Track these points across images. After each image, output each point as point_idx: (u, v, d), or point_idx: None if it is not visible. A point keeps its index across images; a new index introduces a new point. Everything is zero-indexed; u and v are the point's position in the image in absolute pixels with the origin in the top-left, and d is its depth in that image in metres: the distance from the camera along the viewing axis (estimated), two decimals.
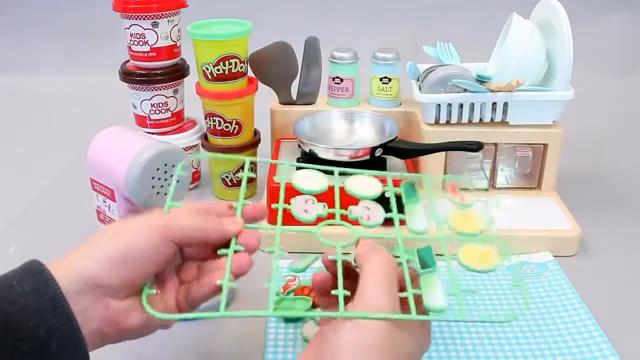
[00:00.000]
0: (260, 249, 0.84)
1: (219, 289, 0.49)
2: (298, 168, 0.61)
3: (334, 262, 0.52)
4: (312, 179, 0.59)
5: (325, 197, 0.58)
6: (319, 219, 0.57)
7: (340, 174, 0.61)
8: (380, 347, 0.45)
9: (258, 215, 0.56)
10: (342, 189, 0.59)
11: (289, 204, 0.57)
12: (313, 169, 0.61)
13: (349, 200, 0.58)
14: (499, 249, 0.56)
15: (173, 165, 0.72)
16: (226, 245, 0.52)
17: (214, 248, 0.52)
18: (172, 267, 0.53)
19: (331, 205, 0.57)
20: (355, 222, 0.56)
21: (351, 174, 0.60)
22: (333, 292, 0.50)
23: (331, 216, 0.57)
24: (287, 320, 0.69)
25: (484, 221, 0.59)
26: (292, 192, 0.58)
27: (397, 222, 0.57)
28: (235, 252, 0.51)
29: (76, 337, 0.44)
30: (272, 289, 0.49)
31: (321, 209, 0.57)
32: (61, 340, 0.43)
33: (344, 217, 0.57)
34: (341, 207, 0.57)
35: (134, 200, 0.70)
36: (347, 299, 0.49)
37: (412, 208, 0.59)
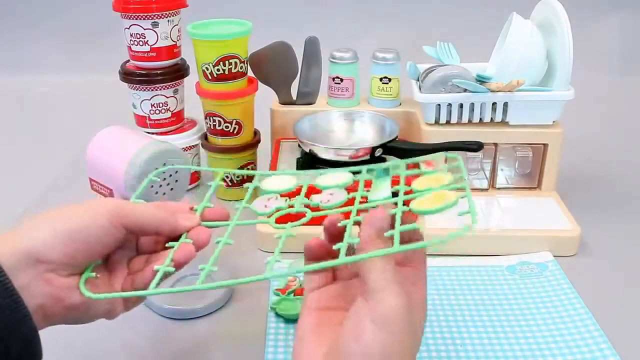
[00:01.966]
0: (262, 249, 0.84)
1: (156, 273, 0.50)
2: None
3: (334, 223, 0.51)
4: (281, 182, 0.60)
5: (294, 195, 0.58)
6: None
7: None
8: (404, 351, 0.44)
9: (220, 219, 0.56)
10: (311, 187, 0.59)
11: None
12: (285, 173, 0.61)
13: (317, 193, 0.58)
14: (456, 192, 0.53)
15: (172, 165, 0.72)
16: (177, 239, 0.52)
17: (166, 242, 0.52)
18: (123, 257, 0.53)
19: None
20: (316, 209, 0.56)
21: (325, 173, 0.60)
22: (335, 246, 0.47)
23: (292, 207, 0.57)
24: (287, 320, 0.69)
25: (450, 178, 0.55)
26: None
27: (360, 188, 0.56)
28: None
29: (20, 311, 0.44)
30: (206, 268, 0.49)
31: (282, 202, 0.57)
32: (3, 315, 0.43)
33: (305, 206, 0.57)
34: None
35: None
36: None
37: (379, 184, 0.57)
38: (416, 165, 0.75)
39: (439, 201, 0.51)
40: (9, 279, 0.43)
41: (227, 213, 0.57)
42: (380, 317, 0.43)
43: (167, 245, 0.52)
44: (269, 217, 0.56)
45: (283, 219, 0.55)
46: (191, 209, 0.55)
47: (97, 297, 0.48)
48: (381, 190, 0.56)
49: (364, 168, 0.59)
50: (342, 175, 0.59)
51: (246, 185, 0.60)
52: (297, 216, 0.55)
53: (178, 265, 0.51)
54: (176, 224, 0.52)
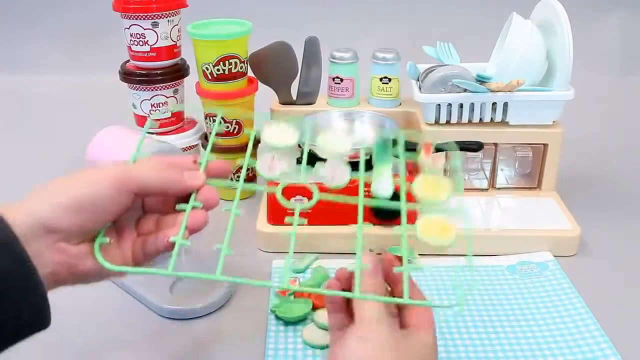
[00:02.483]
0: (262, 249, 0.84)
1: (172, 245, 0.50)
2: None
3: (348, 278, 0.55)
4: (282, 134, 0.59)
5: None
6: (283, 177, 0.56)
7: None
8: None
9: (222, 173, 0.56)
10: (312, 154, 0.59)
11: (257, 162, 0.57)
12: (287, 122, 0.60)
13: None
14: (460, 222, 0.55)
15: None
16: (186, 199, 0.52)
17: (174, 202, 0.52)
18: (131, 218, 0.53)
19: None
20: (324, 189, 0.56)
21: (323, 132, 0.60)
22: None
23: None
24: (287, 323, 0.69)
25: (449, 191, 0.57)
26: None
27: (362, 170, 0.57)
28: (194, 208, 0.52)
29: (33, 280, 0.44)
30: (223, 250, 0.50)
31: (281, 166, 0.57)
32: (17, 282, 0.43)
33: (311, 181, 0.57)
34: (255, 179, 0.57)
35: None
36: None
37: (380, 169, 0.59)
38: (416, 166, 0.75)
39: (443, 233, 0.54)
40: (24, 248, 0.44)
41: (230, 166, 0.57)
42: (363, 330, 0.49)
43: (177, 208, 0.52)
44: (276, 184, 0.57)
45: (290, 191, 0.55)
46: (195, 162, 0.55)
47: (113, 269, 0.48)
48: (383, 178, 0.58)
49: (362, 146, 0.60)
50: (342, 142, 0.59)
51: (246, 131, 0.60)
52: (305, 190, 0.56)
53: (192, 232, 0.51)
54: (183, 184, 0.52)
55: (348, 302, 0.55)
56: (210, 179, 0.54)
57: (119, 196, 0.48)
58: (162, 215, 0.54)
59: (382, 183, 0.58)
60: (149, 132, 0.59)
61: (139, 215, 0.54)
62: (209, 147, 0.58)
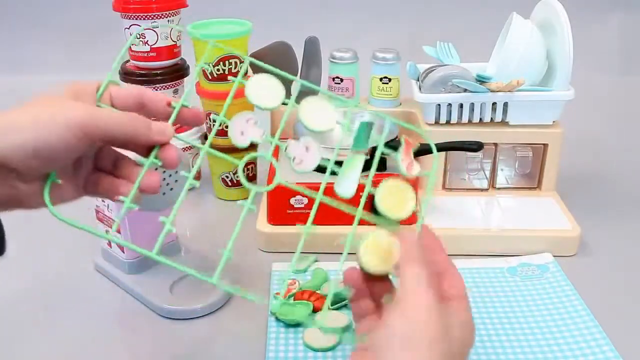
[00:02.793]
0: (262, 249, 0.84)
1: (121, 202, 0.50)
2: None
3: (354, 276, 0.52)
4: (267, 92, 0.54)
5: None
6: (252, 147, 0.54)
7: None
8: (431, 340, 0.45)
9: (194, 122, 0.55)
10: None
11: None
12: (276, 73, 0.56)
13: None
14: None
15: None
16: (148, 150, 0.51)
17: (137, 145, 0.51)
18: (89, 153, 0.51)
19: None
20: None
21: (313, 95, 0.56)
22: None
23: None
24: (288, 325, 0.69)
25: (410, 206, 0.53)
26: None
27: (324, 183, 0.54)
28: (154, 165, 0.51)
29: None
30: (225, 253, 0.49)
31: (259, 134, 0.53)
32: None
33: (269, 179, 0.54)
34: (281, 138, 0.53)
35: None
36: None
37: (353, 160, 0.55)
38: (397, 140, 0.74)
39: (383, 263, 0.50)
40: None
41: (203, 116, 0.55)
42: (405, 304, 0.46)
43: (136, 161, 0.51)
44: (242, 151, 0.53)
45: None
46: (169, 104, 0.53)
47: (63, 220, 0.48)
48: (348, 175, 0.54)
49: (345, 122, 0.57)
50: (327, 115, 0.55)
51: (232, 78, 0.56)
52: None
53: (143, 192, 0.51)
54: (149, 138, 0.50)
55: (371, 287, 0.52)
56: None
57: (80, 145, 0.47)
58: (120, 157, 0.52)
59: (346, 181, 0.54)
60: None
61: (97, 147, 0.52)
62: (184, 96, 0.54)
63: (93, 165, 0.52)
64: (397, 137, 0.87)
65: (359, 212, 0.53)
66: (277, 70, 0.55)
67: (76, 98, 0.49)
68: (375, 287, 0.52)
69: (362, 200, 0.54)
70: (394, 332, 0.45)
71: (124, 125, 0.48)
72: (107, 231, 0.77)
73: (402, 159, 0.58)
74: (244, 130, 0.53)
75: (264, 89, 0.54)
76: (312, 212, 0.53)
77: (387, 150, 0.57)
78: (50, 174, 0.48)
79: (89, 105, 0.48)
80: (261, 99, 0.54)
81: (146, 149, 0.51)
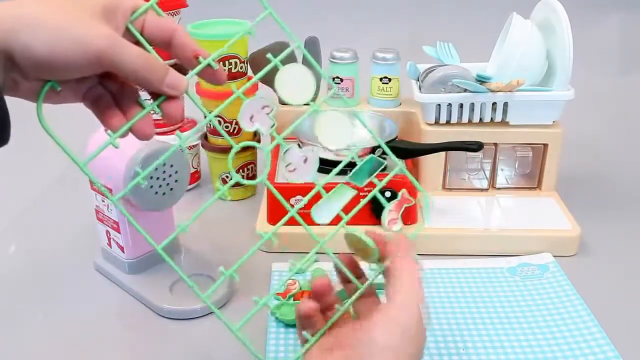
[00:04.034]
0: (262, 249, 0.84)
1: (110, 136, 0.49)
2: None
3: (326, 288, 0.54)
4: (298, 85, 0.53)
5: None
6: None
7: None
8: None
9: (214, 81, 0.53)
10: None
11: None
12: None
13: None
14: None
15: (172, 165, 0.72)
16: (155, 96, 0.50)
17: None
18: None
19: None
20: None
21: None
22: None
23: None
24: (288, 325, 0.69)
25: (371, 261, 0.55)
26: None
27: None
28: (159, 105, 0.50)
29: None
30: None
31: (267, 125, 0.52)
32: None
33: (274, 152, 0.53)
34: (285, 138, 0.53)
35: (132, 200, 0.70)
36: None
37: (341, 191, 0.55)
38: (417, 166, 0.74)
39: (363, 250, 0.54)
40: None
41: (225, 77, 0.54)
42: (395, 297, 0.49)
43: (138, 100, 0.50)
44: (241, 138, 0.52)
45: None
46: (196, 57, 0.51)
47: (50, 134, 0.50)
48: (330, 205, 0.55)
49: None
50: (342, 130, 0.54)
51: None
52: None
53: (135, 134, 0.50)
54: (159, 88, 0.48)
55: (323, 312, 0.55)
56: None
57: (91, 69, 0.46)
58: (125, 85, 0.51)
59: (326, 209, 0.55)
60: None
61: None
62: (218, 52, 0.52)
63: (99, 79, 0.50)
64: (397, 137, 0.87)
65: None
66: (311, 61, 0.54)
67: (107, 15, 0.47)
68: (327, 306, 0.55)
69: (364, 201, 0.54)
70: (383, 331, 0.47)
71: (140, 68, 0.47)
72: (107, 231, 0.77)
73: (389, 210, 0.58)
74: (255, 115, 0.51)
75: (294, 82, 0.53)
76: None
77: (384, 200, 0.57)
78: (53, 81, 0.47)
79: (113, 35, 0.46)
80: (289, 93, 0.52)
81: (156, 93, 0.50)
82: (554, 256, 0.81)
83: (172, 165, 0.71)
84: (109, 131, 0.50)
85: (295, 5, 1.61)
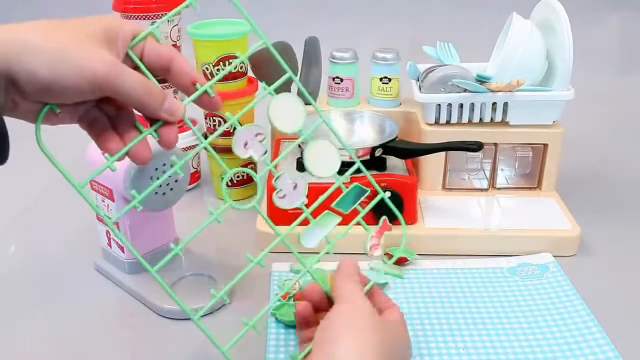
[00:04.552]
0: (262, 249, 0.84)
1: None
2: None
3: (315, 289, 0.59)
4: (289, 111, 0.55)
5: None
6: (248, 162, 0.57)
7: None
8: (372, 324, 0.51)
9: (211, 108, 0.55)
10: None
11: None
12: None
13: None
14: None
15: (171, 165, 0.71)
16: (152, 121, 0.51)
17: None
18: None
19: None
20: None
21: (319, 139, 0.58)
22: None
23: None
24: (288, 325, 0.69)
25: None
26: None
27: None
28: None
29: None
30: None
31: (259, 152, 0.54)
32: None
33: (269, 180, 0.57)
34: (275, 167, 0.56)
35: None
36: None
37: (328, 218, 0.59)
38: (416, 166, 0.74)
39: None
40: None
41: (221, 104, 0.55)
42: (347, 301, 0.53)
43: (136, 124, 0.51)
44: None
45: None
46: (193, 84, 0.52)
47: (47, 155, 0.50)
48: (316, 231, 0.58)
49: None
50: (330, 161, 0.57)
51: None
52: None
53: (131, 158, 0.51)
54: (157, 113, 0.50)
55: (317, 315, 0.58)
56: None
57: (92, 94, 0.47)
58: (124, 109, 0.52)
59: (313, 235, 0.58)
60: None
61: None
62: (214, 80, 0.54)
63: (96, 102, 0.51)
64: (397, 137, 0.87)
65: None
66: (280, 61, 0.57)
67: (108, 40, 0.48)
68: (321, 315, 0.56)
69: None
70: (337, 316, 0.51)
71: (139, 95, 0.48)
72: (107, 232, 0.77)
73: (372, 236, 0.61)
74: (249, 142, 0.54)
75: (286, 110, 0.55)
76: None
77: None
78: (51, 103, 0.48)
79: (114, 61, 0.47)
80: (281, 121, 0.55)
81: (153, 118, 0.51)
82: (554, 256, 0.81)
83: (171, 166, 0.71)
84: (106, 154, 0.50)
85: (295, 5, 1.62)
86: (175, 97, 0.54)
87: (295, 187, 0.55)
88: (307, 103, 0.58)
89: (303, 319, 0.59)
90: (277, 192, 0.55)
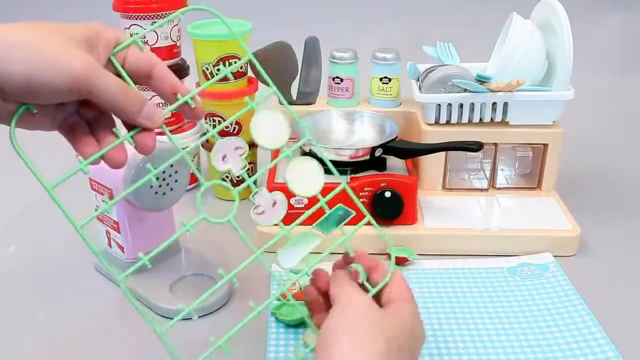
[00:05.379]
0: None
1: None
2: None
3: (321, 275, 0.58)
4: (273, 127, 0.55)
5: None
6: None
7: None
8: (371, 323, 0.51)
9: (192, 117, 0.55)
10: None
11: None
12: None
13: None
14: None
15: (171, 165, 0.71)
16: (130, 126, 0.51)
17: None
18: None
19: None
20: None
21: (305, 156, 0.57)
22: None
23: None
24: (288, 325, 0.69)
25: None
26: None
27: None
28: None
29: None
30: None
31: (238, 167, 0.53)
32: None
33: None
34: (255, 182, 0.55)
35: (133, 200, 0.70)
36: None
37: (308, 238, 0.57)
38: (416, 166, 0.74)
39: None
40: None
41: (202, 114, 0.55)
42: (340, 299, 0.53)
43: (113, 129, 0.51)
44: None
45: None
46: (175, 93, 0.52)
47: (22, 157, 0.50)
48: (295, 251, 0.56)
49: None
50: (313, 183, 0.56)
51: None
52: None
53: (106, 163, 0.51)
54: (135, 119, 0.50)
55: (327, 300, 0.56)
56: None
57: (69, 96, 0.46)
58: (103, 114, 0.52)
59: (291, 255, 0.56)
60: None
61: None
62: (195, 91, 0.54)
63: (76, 108, 0.51)
64: (397, 137, 0.87)
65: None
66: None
67: (89, 43, 0.48)
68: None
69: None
70: (333, 321, 0.51)
71: (117, 99, 0.48)
72: (107, 232, 0.77)
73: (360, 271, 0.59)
74: (228, 155, 0.53)
75: (269, 127, 0.54)
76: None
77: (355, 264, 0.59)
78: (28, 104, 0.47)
79: (93, 62, 0.47)
80: (264, 138, 0.54)
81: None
82: (554, 256, 0.81)
83: (172, 165, 0.71)
84: (80, 157, 0.50)
85: (295, 5, 1.62)
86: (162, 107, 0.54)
87: (274, 204, 0.54)
88: (308, 103, 0.57)
89: (310, 302, 0.59)
90: (255, 208, 0.54)
